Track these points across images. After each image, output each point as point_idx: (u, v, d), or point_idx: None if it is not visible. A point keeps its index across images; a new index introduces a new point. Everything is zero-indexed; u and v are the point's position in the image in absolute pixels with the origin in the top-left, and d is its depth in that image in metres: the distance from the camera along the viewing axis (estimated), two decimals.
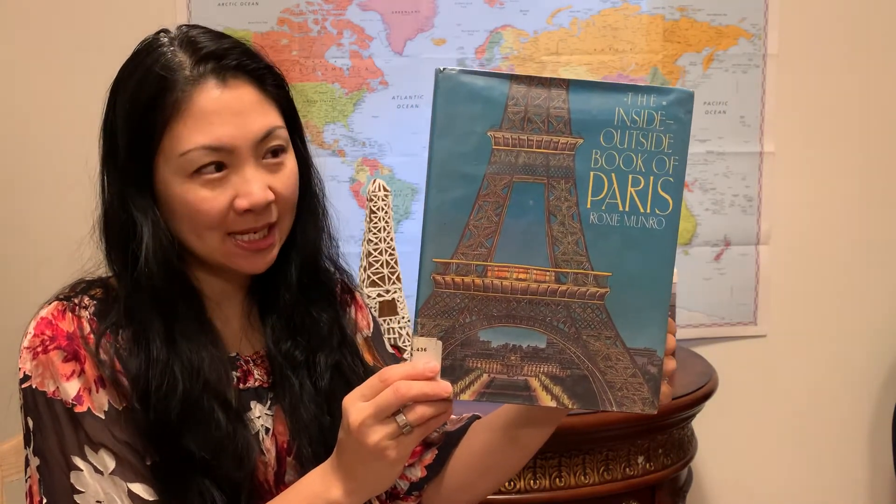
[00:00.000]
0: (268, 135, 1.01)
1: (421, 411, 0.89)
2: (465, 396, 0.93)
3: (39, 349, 0.98)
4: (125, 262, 1.02)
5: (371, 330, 1.24)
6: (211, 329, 1.05)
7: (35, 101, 2.06)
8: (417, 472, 1.18)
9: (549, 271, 0.93)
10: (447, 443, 1.18)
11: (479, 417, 1.19)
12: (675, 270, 2.04)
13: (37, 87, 2.06)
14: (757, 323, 2.27)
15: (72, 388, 0.97)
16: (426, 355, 0.92)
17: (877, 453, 2.33)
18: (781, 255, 2.25)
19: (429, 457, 1.18)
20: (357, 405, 0.91)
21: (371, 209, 1.81)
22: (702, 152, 2.18)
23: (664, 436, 1.83)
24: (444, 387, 0.90)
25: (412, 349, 0.93)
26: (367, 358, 1.19)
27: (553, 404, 0.94)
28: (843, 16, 2.21)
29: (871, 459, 2.35)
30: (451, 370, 0.92)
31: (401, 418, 0.90)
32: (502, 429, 1.12)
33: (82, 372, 0.98)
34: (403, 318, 1.83)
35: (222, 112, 0.98)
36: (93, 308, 1.02)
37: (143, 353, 0.99)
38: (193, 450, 0.98)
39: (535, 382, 0.93)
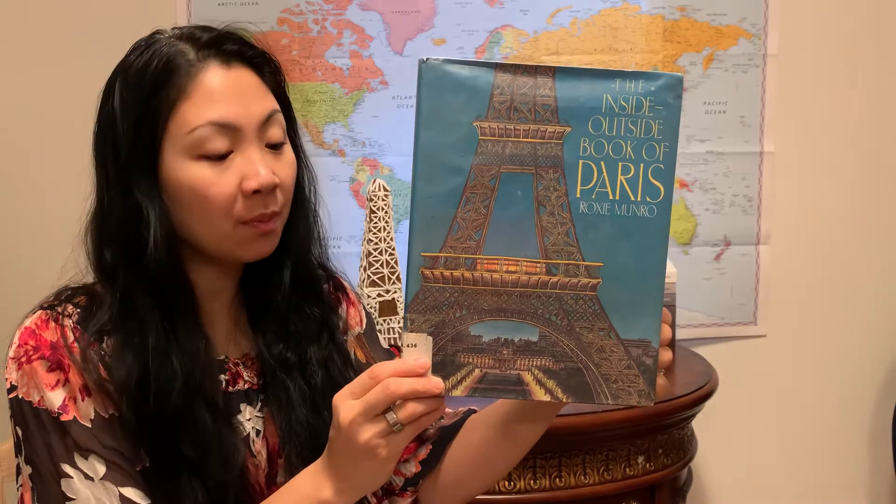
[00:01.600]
0: (269, 117, 1.01)
1: (412, 409, 0.88)
2: (457, 392, 0.91)
3: (23, 359, 0.97)
4: (125, 254, 1.00)
5: (364, 327, 1.22)
6: (202, 330, 1.04)
7: (33, 102, 2.07)
8: (412, 468, 1.17)
9: (539, 263, 0.91)
10: (442, 438, 1.17)
11: (474, 411, 1.18)
12: (675, 270, 2.04)
13: (35, 86, 2.06)
14: (757, 323, 2.27)
15: (56, 397, 0.96)
16: (417, 351, 0.90)
17: (877, 453, 2.33)
18: (781, 255, 2.24)
19: (423, 452, 1.17)
20: (347, 403, 0.90)
21: (371, 209, 1.81)
22: (702, 152, 2.18)
23: (664, 436, 1.83)
24: (435, 383, 0.89)
25: (402, 345, 0.91)
26: (360, 355, 1.18)
27: (547, 398, 0.92)
28: (843, 16, 2.21)
29: (871, 459, 2.34)
30: (442, 366, 0.91)
31: (391, 416, 0.88)
32: (497, 424, 1.11)
33: (67, 381, 0.97)
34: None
35: (227, 91, 0.99)
36: (76, 316, 1.00)
37: (141, 345, 0.98)
38: (184, 448, 0.98)
39: (528, 376, 0.92)
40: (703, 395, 1.86)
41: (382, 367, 0.89)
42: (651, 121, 0.91)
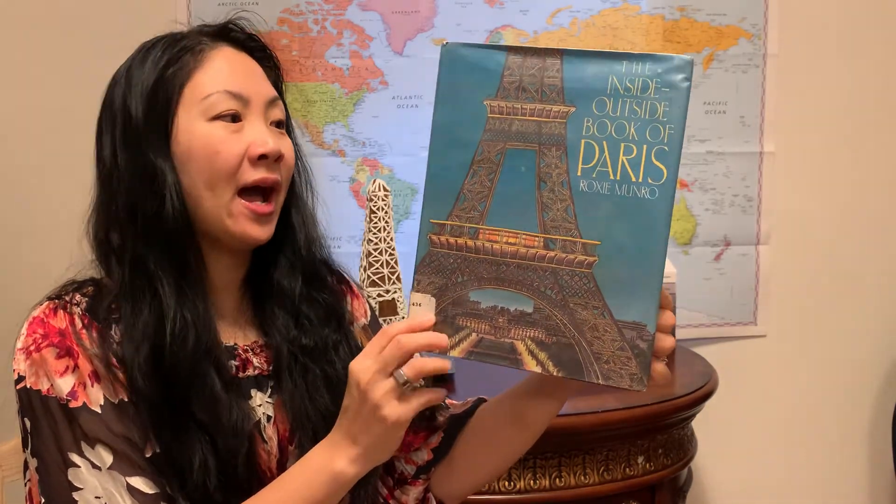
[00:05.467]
0: (274, 100, 1.07)
1: (419, 365, 0.92)
2: (456, 353, 0.95)
3: (32, 348, 0.98)
4: (137, 217, 1.01)
5: (368, 319, 1.25)
6: (209, 299, 1.05)
7: (35, 101, 2.07)
8: (424, 456, 1.19)
9: (537, 237, 0.94)
10: (453, 425, 1.18)
11: (485, 400, 1.19)
12: (675, 270, 2.04)
13: (37, 86, 2.06)
14: (757, 323, 2.27)
15: (66, 384, 0.97)
16: (421, 310, 0.96)
17: (877, 453, 2.33)
18: (781, 255, 2.25)
19: (435, 440, 1.18)
20: (363, 363, 0.94)
21: (371, 209, 1.81)
22: (702, 152, 2.18)
23: (664, 436, 1.82)
24: (440, 337, 0.94)
25: (409, 304, 0.97)
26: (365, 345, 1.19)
27: (538, 370, 0.94)
28: (842, 16, 2.21)
29: (871, 459, 2.34)
30: (443, 326, 0.96)
31: (399, 374, 0.92)
32: (508, 403, 1.12)
33: (76, 367, 0.97)
34: (403, 318, 1.83)
35: (239, 68, 1.06)
36: (85, 304, 1.01)
37: (155, 306, 0.99)
38: (196, 410, 0.99)
39: (521, 346, 0.94)
40: (703, 395, 1.86)
41: (392, 327, 0.94)
42: (657, 102, 0.91)
